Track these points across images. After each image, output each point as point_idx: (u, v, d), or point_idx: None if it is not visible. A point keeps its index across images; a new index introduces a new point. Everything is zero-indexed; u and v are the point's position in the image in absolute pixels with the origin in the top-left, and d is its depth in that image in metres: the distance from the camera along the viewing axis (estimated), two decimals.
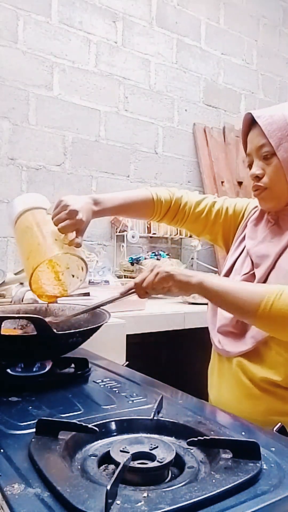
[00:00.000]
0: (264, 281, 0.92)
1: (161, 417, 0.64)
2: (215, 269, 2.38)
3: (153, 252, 2.20)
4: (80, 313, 0.98)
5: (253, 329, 0.92)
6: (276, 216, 0.98)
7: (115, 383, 0.84)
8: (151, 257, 2.14)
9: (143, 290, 0.88)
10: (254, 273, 0.96)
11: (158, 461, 0.51)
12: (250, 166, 0.98)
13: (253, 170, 0.95)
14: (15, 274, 1.66)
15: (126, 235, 2.14)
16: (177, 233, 2.32)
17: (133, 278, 2.07)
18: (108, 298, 0.94)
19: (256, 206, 1.06)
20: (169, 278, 0.85)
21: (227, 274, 1.03)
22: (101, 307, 0.98)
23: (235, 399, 0.94)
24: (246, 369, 0.92)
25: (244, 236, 1.04)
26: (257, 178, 0.94)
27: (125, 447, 0.53)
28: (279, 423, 0.68)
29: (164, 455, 0.51)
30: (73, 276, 1.01)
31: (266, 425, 0.69)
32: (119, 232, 2.17)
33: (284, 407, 0.88)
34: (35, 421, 0.59)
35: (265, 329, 0.86)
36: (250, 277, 0.96)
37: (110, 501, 0.42)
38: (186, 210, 1.12)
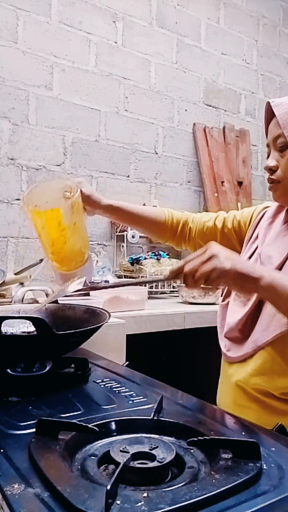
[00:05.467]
0: None
1: (161, 417, 0.64)
2: None
3: (153, 252, 2.20)
4: (122, 285, 0.90)
5: (255, 333, 0.90)
6: None
7: (115, 383, 0.84)
8: (151, 257, 2.13)
9: (193, 282, 0.76)
10: None
11: (158, 461, 0.51)
12: (268, 157, 0.93)
13: (267, 161, 0.90)
14: (15, 274, 1.66)
15: (126, 235, 2.14)
16: None
17: (133, 278, 2.08)
18: (149, 278, 0.87)
19: (268, 206, 1.04)
20: (228, 277, 0.73)
21: None
22: (101, 308, 0.98)
23: (231, 405, 0.94)
24: (242, 375, 0.92)
25: (257, 236, 1.00)
26: (271, 170, 0.90)
27: (125, 447, 0.53)
28: (279, 423, 0.68)
29: (164, 455, 0.51)
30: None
31: None
32: (119, 232, 2.17)
33: (272, 419, 0.85)
34: (35, 421, 0.59)
35: None
36: None
37: (110, 501, 0.42)
38: (195, 221, 1.12)
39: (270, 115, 0.92)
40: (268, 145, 0.93)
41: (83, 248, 1.01)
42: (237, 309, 0.95)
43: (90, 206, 1.02)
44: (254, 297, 0.92)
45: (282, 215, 0.97)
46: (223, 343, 0.98)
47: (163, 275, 0.83)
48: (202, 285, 0.76)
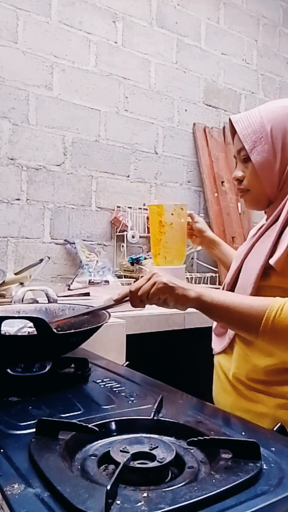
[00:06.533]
0: (234, 282, 0.96)
1: (161, 417, 0.64)
2: (215, 269, 2.39)
3: None
4: (71, 317, 0.98)
5: None
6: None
7: (115, 383, 0.84)
8: (151, 257, 2.13)
9: (137, 299, 0.85)
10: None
11: (158, 461, 0.51)
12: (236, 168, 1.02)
13: (234, 172, 0.99)
14: (15, 274, 1.66)
15: (126, 235, 2.14)
16: None
17: (134, 278, 2.08)
18: (101, 305, 0.94)
19: None
20: (165, 290, 0.82)
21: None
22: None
23: (215, 391, 1.02)
24: (223, 365, 0.99)
25: None
26: (238, 181, 0.98)
27: (125, 447, 0.53)
28: (279, 423, 0.68)
29: (164, 455, 0.51)
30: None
31: None
32: (119, 232, 2.17)
33: (245, 404, 0.92)
34: (35, 421, 0.59)
35: (270, 345, 0.82)
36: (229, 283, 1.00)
37: (110, 501, 0.42)
38: None
39: (233, 129, 0.98)
40: (234, 157, 1.01)
41: (179, 252, 1.29)
42: None
43: (197, 233, 1.31)
44: None
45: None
46: (212, 337, 1.05)
47: (113, 299, 0.90)
48: (146, 303, 0.85)
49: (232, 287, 0.97)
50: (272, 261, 0.84)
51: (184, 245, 1.30)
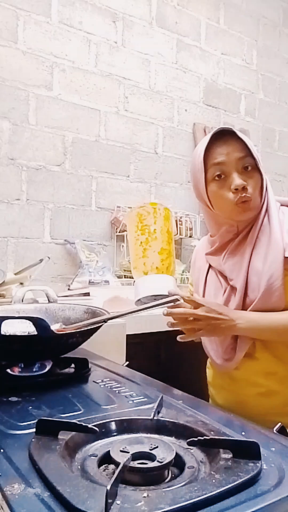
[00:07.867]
0: (246, 285, 0.96)
1: (161, 417, 0.64)
2: None
3: None
4: (117, 316, 0.94)
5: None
6: (238, 229, 1.02)
7: (115, 383, 0.84)
8: None
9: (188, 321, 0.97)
10: (231, 285, 0.99)
11: (158, 461, 0.51)
12: (219, 176, 0.95)
13: (240, 181, 0.93)
14: (15, 274, 1.66)
15: (126, 235, 2.14)
16: (177, 233, 2.31)
17: (133, 278, 2.07)
18: (166, 299, 0.97)
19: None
20: (217, 333, 0.94)
21: None
22: (101, 308, 0.98)
23: (242, 401, 0.99)
24: (251, 368, 0.97)
25: (207, 269, 1.09)
26: (245, 188, 0.94)
27: (125, 447, 0.53)
28: (279, 423, 0.68)
29: (164, 455, 0.51)
30: None
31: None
32: (119, 232, 2.17)
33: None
34: (35, 421, 0.59)
35: None
36: (231, 290, 0.99)
37: (110, 501, 0.42)
38: None
39: (217, 138, 0.96)
40: (220, 164, 0.95)
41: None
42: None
43: None
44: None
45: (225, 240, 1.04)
46: (219, 356, 1.02)
47: (178, 296, 0.95)
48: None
49: (244, 290, 0.97)
50: None
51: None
